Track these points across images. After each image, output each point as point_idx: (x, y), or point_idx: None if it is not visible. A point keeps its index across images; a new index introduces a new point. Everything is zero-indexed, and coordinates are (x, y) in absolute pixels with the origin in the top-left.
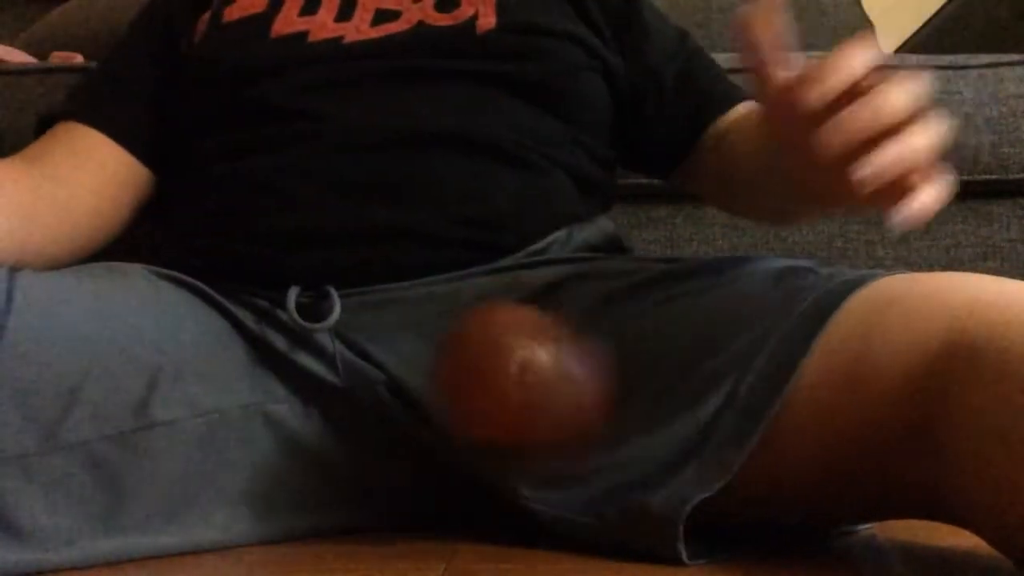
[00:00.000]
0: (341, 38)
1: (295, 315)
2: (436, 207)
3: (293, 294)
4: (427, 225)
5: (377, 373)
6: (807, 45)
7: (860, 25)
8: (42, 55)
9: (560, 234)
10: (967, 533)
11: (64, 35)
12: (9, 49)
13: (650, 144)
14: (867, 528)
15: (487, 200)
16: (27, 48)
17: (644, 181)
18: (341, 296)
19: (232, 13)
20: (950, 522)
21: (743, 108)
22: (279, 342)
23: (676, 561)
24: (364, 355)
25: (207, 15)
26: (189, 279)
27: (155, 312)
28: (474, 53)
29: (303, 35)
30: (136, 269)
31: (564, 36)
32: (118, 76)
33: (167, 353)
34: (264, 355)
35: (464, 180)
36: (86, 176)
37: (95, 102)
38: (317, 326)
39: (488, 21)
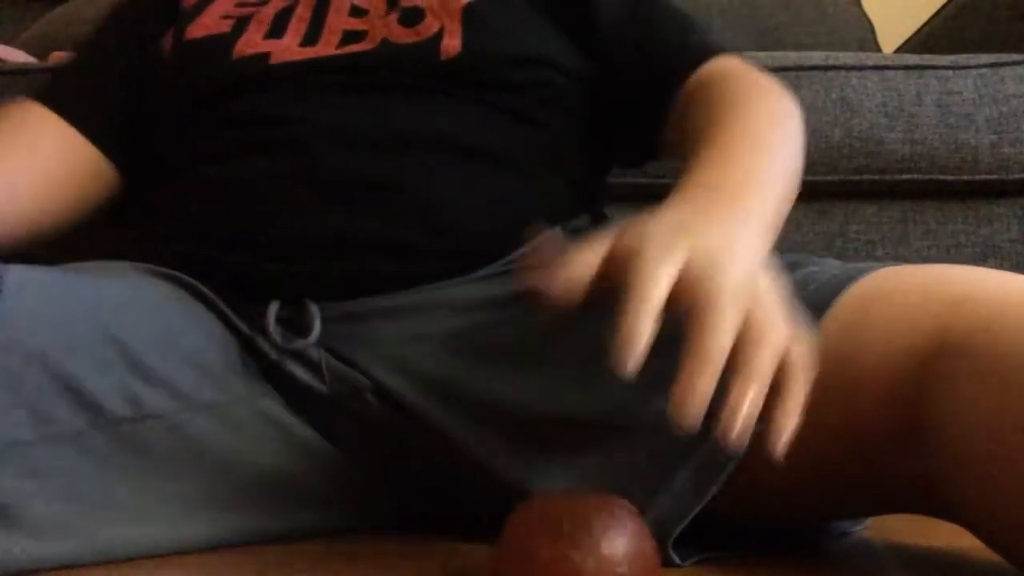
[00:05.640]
0: (303, 56)
1: (275, 335)
2: (417, 216)
3: (272, 311)
4: (407, 236)
5: (364, 380)
6: (807, 45)
7: (860, 25)
8: (42, 55)
9: None
10: (964, 533)
11: (64, 35)
12: (9, 49)
13: (624, 126)
14: (864, 528)
15: (471, 208)
16: (27, 48)
17: (644, 181)
18: (322, 308)
19: (194, 31)
20: (945, 518)
21: (715, 68)
22: (268, 349)
23: (670, 563)
24: (350, 363)
25: (173, 28)
26: (184, 277)
27: (148, 306)
28: (439, 76)
29: (264, 56)
30: (129, 267)
31: (536, 61)
32: (84, 66)
33: (160, 347)
34: (255, 356)
35: (446, 187)
36: (34, 156)
37: (57, 85)
38: (298, 345)
39: (454, 44)
